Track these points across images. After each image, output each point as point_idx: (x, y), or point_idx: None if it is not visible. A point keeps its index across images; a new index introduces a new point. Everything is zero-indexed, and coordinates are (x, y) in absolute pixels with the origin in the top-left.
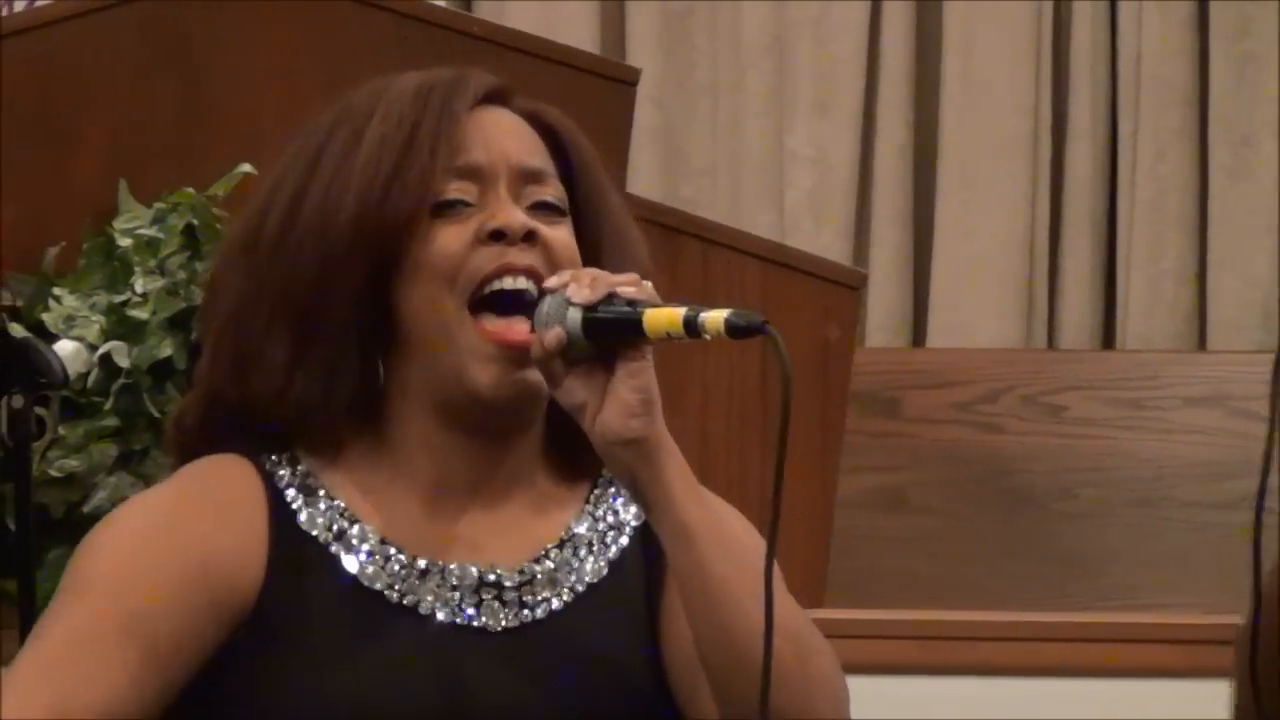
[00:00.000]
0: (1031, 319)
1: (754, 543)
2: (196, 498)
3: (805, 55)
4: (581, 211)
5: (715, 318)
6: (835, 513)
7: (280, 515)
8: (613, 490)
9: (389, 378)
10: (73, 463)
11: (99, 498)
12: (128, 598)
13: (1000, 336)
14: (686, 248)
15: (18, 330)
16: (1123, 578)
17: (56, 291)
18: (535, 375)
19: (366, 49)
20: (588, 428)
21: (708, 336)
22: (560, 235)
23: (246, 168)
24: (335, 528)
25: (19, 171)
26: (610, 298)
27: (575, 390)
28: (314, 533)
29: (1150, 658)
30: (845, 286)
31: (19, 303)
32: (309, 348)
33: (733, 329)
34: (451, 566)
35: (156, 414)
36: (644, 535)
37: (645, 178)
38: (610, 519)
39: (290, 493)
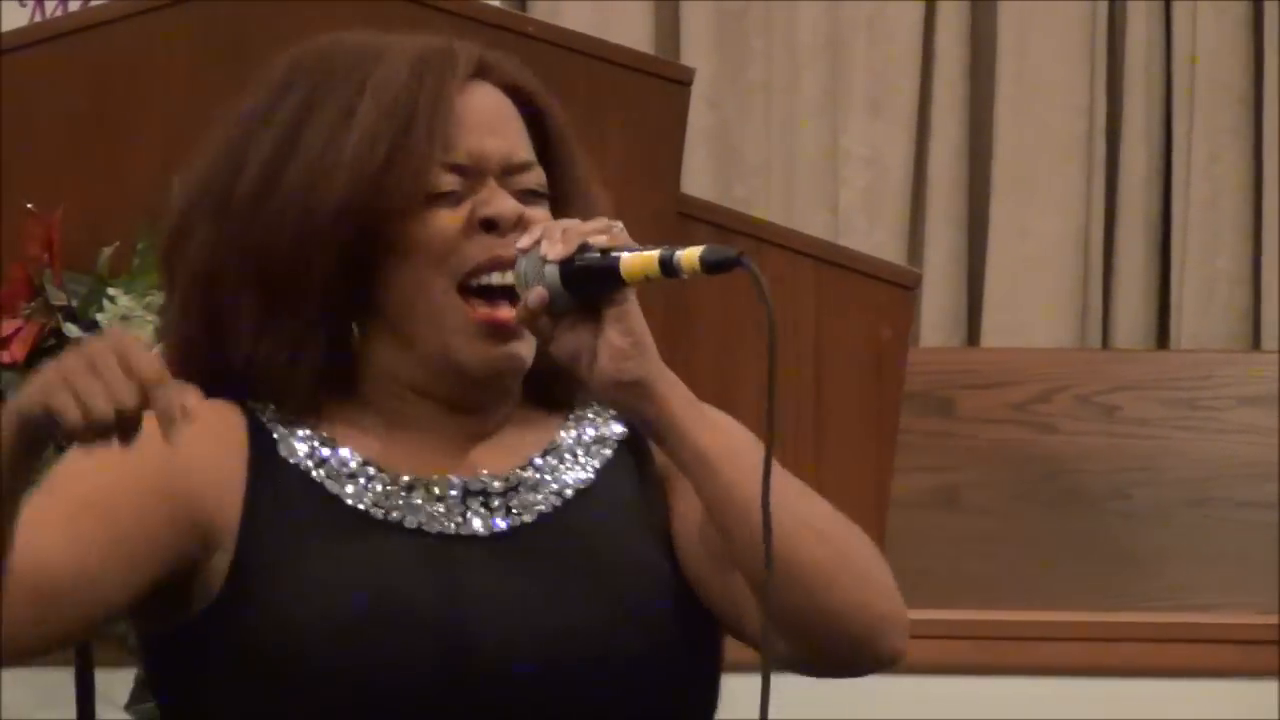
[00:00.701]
0: (1086, 319)
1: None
2: None
3: (860, 55)
4: (556, 184)
5: (690, 255)
6: (890, 512)
7: (259, 447)
8: (592, 408)
9: (363, 349)
10: None
11: None
12: (93, 479)
13: (1054, 336)
14: (740, 247)
15: (72, 330)
16: (1176, 578)
17: (111, 292)
18: (521, 349)
19: None
20: (585, 378)
21: (685, 276)
22: (542, 216)
23: None
24: (316, 455)
25: (74, 172)
26: (584, 249)
27: (567, 343)
28: (293, 460)
29: (1204, 657)
30: (899, 286)
31: (74, 303)
32: (276, 316)
33: (707, 265)
34: (434, 477)
35: None
36: (631, 447)
37: (699, 177)
38: (593, 431)
39: (272, 425)
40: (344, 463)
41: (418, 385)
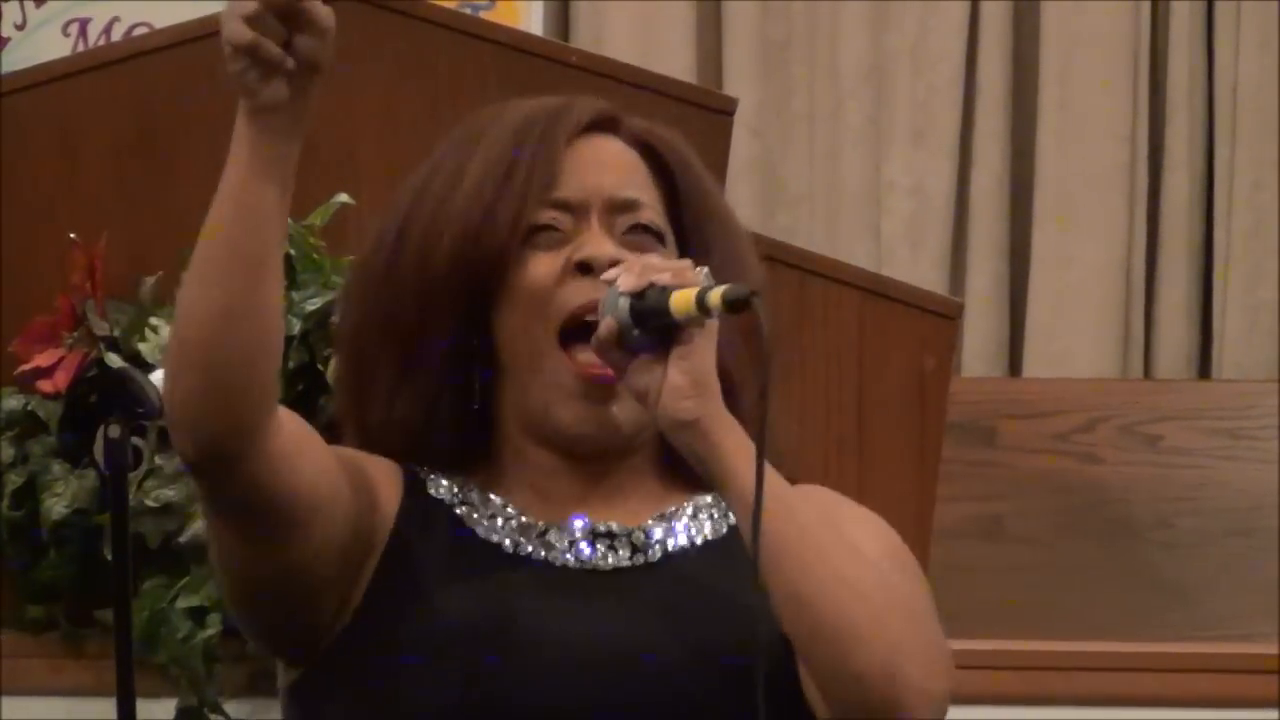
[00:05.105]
0: (1128, 348)
1: (823, 509)
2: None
3: (903, 85)
4: (690, 236)
5: (715, 294)
6: (932, 542)
7: (412, 482)
8: None
9: (493, 399)
10: (169, 492)
11: (195, 528)
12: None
13: (1097, 366)
14: (783, 277)
15: (115, 360)
16: (1220, 607)
17: (154, 321)
18: (619, 413)
19: (465, 79)
20: (651, 415)
21: (714, 313)
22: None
23: (344, 198)
24: (460, 495)
25: (117, 201)
26: (651, 285)
27: (639, 379)
28: (439, 496)
29: (1249, 688)
30: (942, 316)
31: (116, 332)
32: (410, 373)
33: (728, 303)
34: (568, 521)
35: None
36: None
37: (742, 207)
38: None
39: (422, 470)
40: (485, 502)
41: (535, 430)
